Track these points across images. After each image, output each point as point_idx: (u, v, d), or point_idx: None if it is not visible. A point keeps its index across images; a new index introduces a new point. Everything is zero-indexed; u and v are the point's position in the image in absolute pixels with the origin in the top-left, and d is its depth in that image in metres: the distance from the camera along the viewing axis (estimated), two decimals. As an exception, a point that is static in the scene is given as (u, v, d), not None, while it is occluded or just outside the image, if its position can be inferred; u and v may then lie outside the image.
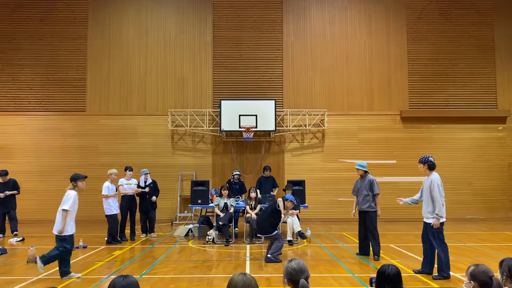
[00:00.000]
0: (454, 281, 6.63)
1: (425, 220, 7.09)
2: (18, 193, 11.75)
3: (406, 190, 13.43)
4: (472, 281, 2.99)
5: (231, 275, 2.73)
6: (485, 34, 15.68)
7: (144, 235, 11.19)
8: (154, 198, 11.18)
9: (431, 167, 7.11)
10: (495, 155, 15.26)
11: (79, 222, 13.78)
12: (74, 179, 7.19)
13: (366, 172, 8.62)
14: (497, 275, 3.18)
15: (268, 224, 8.48)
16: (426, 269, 6.98)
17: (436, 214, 6.87)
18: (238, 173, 12.35)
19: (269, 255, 8.15)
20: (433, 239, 6.94)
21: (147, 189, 11.05)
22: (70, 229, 6.95)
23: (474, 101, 15.43)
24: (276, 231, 8.48)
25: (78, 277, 6.86)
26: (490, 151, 15.25)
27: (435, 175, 7.06)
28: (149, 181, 11.29)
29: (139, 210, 11.14)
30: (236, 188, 11.93)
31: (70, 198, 6.97)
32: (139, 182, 11.23)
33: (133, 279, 2.62)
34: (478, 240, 10.74)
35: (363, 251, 8.56)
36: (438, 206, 6.86)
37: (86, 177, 7.40)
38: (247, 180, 14.43)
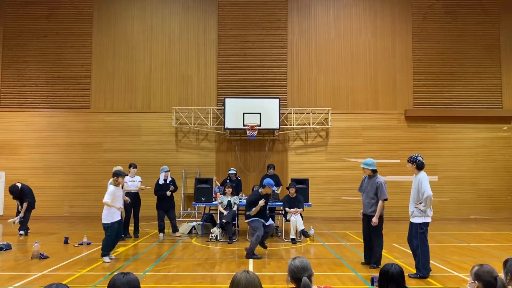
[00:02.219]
0: (458, 281, 6.61)
1: (411, 220, 7.02)
2: None
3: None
4: (476, 281, 2.97)
5: (234, 273, 2.73)
6: (491, 33, 15.59)
7: (162, 234, 10.93)
8: (168, 192, 11.04)
9: (420, 166, 6.98)
10: (500, 155, 15.19)
11: (83, 218, 13.97)
12: (116, 175, 8.27)
13: (374, 171, 7.61)
14: (502, 275, 3.17)
15: (247, 207, 8.72)
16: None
17: (420, 203, 6.79)
18: (234, 171, 12.12)
19: (249, 253, 8.37)
20: (415, 239, 6.88)
21: (171, 188, 11.00)
22: (110, 218, 8.02)
23: (479, 101, 15.36)
24: (252, 219, 8.59)
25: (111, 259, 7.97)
26: (494, 151, 15.18)
27: (422, 174, 6.94)
28: (169, 179, 11.22)
29: (160, 209, 10.98)
30: (233, 186, 11.83)
31: (109, 194, 8.09)
32: (158, 180, 11.16)
33: (134, 277, 2.62)
34: (482, 240, 10.71)
35: (368, 259, 7.63)
36: (427, 200, 6.74)
37: (126, 174, 8.80)
38: (251, 178, 14.46)
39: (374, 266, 7.43)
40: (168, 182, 11.18)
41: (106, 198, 7.99)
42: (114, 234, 8.08)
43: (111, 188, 8.15)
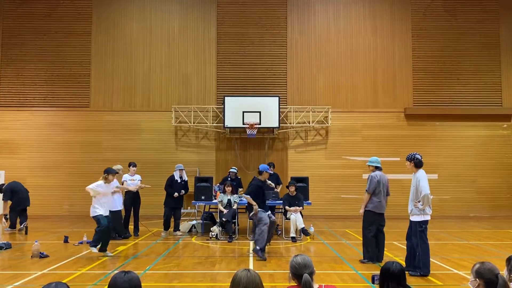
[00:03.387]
0: (458, 279, 6.62)
1: (410, 218, 7.01)
2: None
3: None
4: (477, 279, 2.97)
5: (235, 271, 2.73)
6: (490, 31, 15.58)
7: (165, 232, 10.87)
8: (183, 191, 11.01)
9: (418, 164, 6.96)
10: (500, 153, 15.20)
11: (82, 217, 13.95)
12: (105, 172, 8.50)
13: (376, 167, 7.86)
14: (503, 272, 3.17)
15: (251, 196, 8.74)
16: (410, 267, 6.85)
17: (418, 202, 6.78)
18: (235, 170, 12.11)
19: (257, 247, 8.15)
20: (414, 237, 6.86)
21: (182, 192, 10.92)
22: (98, 211, 8.21)
23: (478, 99, 15.36)
24: (258, 211, 8.48)
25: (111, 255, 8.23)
26: (494, 149, 15.19)
27: (421, 172, 6.92)
28: (185, 177, 11.14)
29: (168, 207, 10.90)
30: (233, 185, 11.79)
31: (95, 183, 8.30)
32: (172, 176, 11.05)
33: (134, 275, 2.61)
34: (482, 238, 10.72)
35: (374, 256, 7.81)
36: (424, 199, 6.71)
37: (117, 172, 9.05)
38: (251, 176, 14.39)
39: (363, 261, 7.71)
40: (180, 181, 11.07)
41: (90, 186, 8.24)
42: (105, 227, 8.22)
43: (99, 182, 8.33)
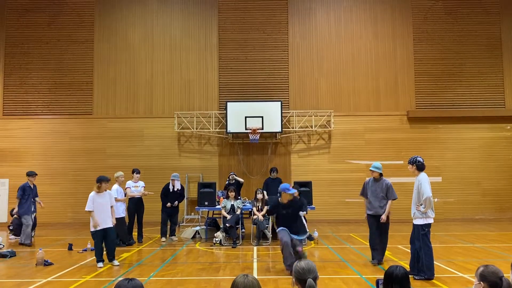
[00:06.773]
0: (463, 282, 6.58)
1: (413, 221, 6.99)
2: None
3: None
4: (481, 282, 2.96)
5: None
6: (492, 33, 15.57)
7: (165, 238, 10.93)
8: (176, 203, 11.07)
9: (420, 167, 6.94)
10: (504, 154, 15.13)
11: (87, 225, 13.85)
12: (97, 180, 8.24)
13: (381, 174, 7.94)
14: (508, 275, 3.15)
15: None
16: (414, 271, 6.82)
17: (421, 205, 6.77)
18: (233, 174, 12.20)
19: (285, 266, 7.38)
20: (417, 240, 6.84)
21: (175, 203, 10.97)
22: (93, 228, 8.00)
23: (481, 101, 15.32)
24: (279, 228, 7.55)
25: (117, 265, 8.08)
26: (498, 151, 15.13)
27: (423, 175, 6.89)
28: (178, 186, 11.15)
29: (165, 213, 10.98)
30: (235, 189, 11.81)
31: (90, 198, 8.07)
32: (168, 184, 11.11)
33: (138, 282, 2.61)
34: (487, 240, 10.66)
35: (379, 256, 7.91)
36: (427, 201, 6.69)
37: (109, 180, 8.48)
38: (254, 181, 14.43)
39: (381, 261, 7.83)
40: (176, 190, 11.12)
41: (87, 207, 7.99)
42: (100, 241, 8.03)
43: (90, 195, 8.09)
